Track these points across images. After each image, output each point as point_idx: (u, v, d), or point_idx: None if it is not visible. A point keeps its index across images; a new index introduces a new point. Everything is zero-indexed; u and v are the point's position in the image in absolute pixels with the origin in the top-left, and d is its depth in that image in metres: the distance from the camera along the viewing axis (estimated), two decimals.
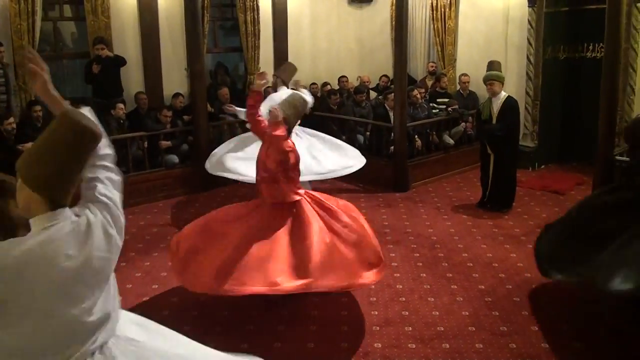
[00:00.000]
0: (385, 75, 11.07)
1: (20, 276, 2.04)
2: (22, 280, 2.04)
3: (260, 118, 5.07)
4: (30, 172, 2.16)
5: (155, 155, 8.38)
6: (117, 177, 2.39)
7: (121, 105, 8.33)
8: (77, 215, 2.22)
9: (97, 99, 8.62)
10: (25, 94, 8.23)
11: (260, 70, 9.76)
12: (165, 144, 8.41)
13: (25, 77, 7.84)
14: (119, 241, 2.29)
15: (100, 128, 2.29)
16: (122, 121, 8.29)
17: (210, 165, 7.38)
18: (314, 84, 10.58)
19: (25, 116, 7.86)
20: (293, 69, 7.98)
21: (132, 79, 9.15)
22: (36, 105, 7.69)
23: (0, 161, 6.74)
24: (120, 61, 8.67)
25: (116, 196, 2.34)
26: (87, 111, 2.35)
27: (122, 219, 2.33)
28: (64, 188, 2.19)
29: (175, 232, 5.97)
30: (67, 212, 2.21)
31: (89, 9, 8.65)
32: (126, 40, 9.11)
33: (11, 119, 7.27)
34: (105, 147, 2.37)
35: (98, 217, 2.23)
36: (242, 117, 7.50)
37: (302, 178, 5.33)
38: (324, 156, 7.23)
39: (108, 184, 2.33)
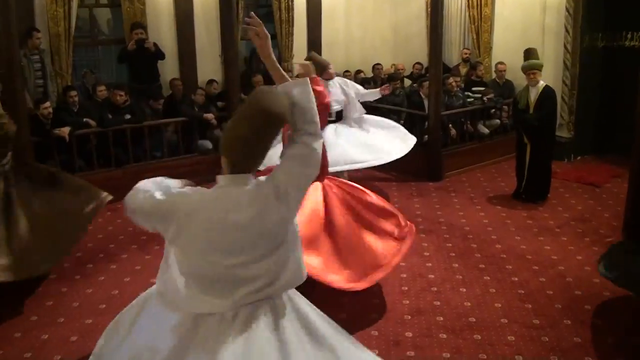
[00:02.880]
0: (419, 63, 10.97)
1: (189, 219, 2.34)
2: (189, 223, 2.33)
3: None
4: (223, 136, 2.43)
5: (190, 141, 8.46)
6: (308, 152, 2.44)
7: (161, 101, 8.50)
8: (257, 185, 2.40)
9: (133, 84, 8.75)
10: (61, 80, 8.35)
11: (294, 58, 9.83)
12: (208, 116, 8.49)
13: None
14: (286, 214, 2.40)
15: (288, 107, 2.41)
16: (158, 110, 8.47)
17: None
18: (347, 71, 10.54)
19: (61, 101, 8.00)
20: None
21: (168, 65, 9.23)
22: (72, 90, 7.82)
23: (37, 144, 6.95)
24: (159, 55, 8.83)
25: (298, 175, 2.41)
26: (297, 85, 2.53)
27: (298, 197, 2.44)
28: (245, 157, 2.38)
29: None
30: (247, 178, 2.40)
31: None
32: (161, 27, 9.18)
33: (47, 104, 7.40)
34: (305, 122, 2.47)
35: (270, 192, 2.35)
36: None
37: (336, 168, 5.38)
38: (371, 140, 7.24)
39: (294, 162, 2.42)
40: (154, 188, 2.47)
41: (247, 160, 2.40)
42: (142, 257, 6.14)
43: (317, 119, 2.49)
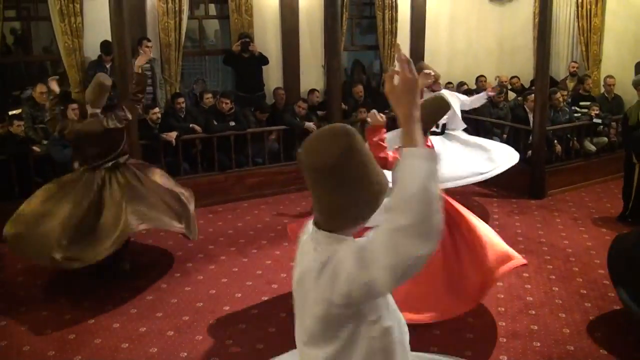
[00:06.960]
0: (516, 77, 10.69)
1: None
2: None
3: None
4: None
5: (290, 149, 8.63)
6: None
7: (266, 114, 8.71)
8: None
9: (239, 92, 9.04)
10: (170, 87, 8.75)
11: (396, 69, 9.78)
12: (310, 126, 8.57)
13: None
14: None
15: None
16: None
17: None
18: (449, 83, 10.43)
19: (169, 107, 8.41)
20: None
21: (272, 75, 9.51)
22: (180, 97, 8.22)
23: (146, 146, 7.34)
24: (263, 60, 9.09)
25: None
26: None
27: None
28: None
29: None
30: None
31: (233, 8, 9.04)
32: (267, 38, 9.44)
33: (156, 109, 7.86)
34: None
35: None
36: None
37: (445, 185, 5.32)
38: (464, 160, 6.95)
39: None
40: None
41: None
42: (239, 259, 6.31)
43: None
